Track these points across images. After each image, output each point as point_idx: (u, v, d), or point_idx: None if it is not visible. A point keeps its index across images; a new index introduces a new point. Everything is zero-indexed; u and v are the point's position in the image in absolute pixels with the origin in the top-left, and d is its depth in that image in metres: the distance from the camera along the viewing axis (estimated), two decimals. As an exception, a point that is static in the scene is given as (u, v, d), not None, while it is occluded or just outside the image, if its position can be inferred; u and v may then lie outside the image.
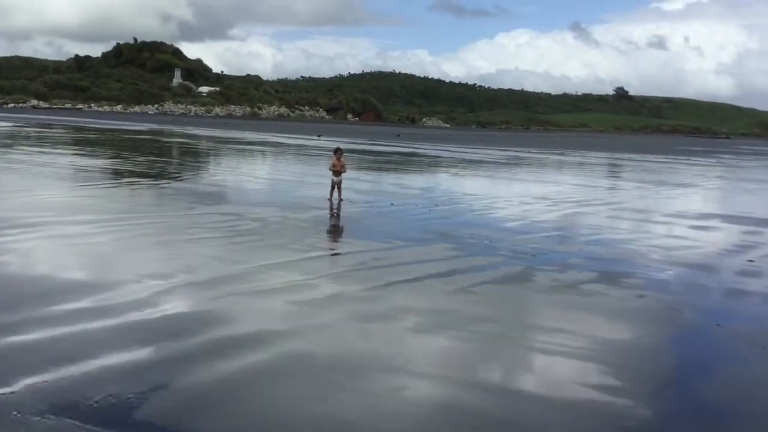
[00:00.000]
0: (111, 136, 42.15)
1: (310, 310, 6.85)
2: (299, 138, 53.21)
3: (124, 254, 8.90)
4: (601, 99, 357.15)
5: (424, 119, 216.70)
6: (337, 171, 15.64)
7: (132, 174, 19.31)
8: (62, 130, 45.77)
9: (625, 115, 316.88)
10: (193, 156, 29.60)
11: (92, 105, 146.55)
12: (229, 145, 38.88)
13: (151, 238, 10.06)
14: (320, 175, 17.47)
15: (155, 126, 65.93)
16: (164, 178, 18.63)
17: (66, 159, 23.13)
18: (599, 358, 5.85)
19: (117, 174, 19.22)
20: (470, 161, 35.13)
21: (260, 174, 21.93)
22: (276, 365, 5.32)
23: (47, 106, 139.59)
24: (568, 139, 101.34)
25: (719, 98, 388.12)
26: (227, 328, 6.09)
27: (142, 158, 25.46)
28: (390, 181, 21.86)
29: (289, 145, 42.26)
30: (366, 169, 26.35)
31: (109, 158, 24.71)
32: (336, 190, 15.70)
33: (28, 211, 11.62)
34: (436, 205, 15.64)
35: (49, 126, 52.50)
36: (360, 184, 18.97)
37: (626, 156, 49.47)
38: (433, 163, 32.41)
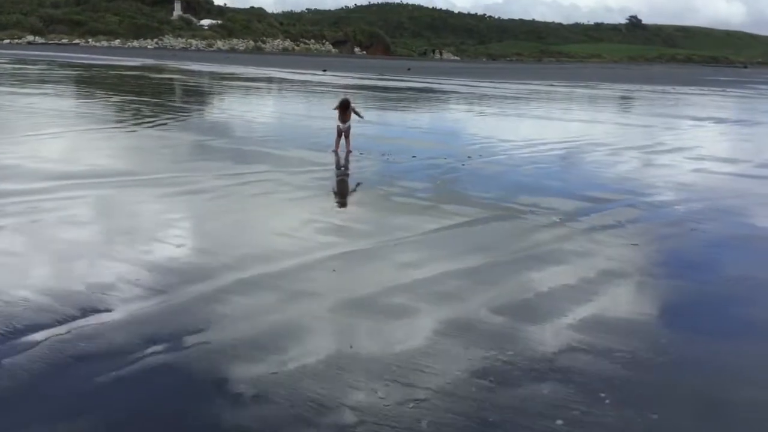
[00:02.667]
0: (95, 73, 38.51)
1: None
2: (304, 73, 49.37)
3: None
4: (613, 28, 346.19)
5: (426, 51, 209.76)
6: (341, 118, 12.32)
7: (98, 119, 15.98)
8: (43, 67, 42.11)
9: (639, 44, 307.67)
10: (180, 95, 26.08)
11: (89, 40, 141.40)
12: (227, 82, 35.26)
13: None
14: (325, 117, 14.17)
15: (150, 61, 61.97)
16: (134, 124, 15.30)
17: (26, 100, 19.74)
18: None
19: (75, 118, 15.88)
20: (491, 97, 31.49)
21: (250, 116, 18.52)
22: None
23: (43, 41, 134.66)
24: (584, 70, 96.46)
25: (732, 26, 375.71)
26: None
27: (117, 98, 22.02)
28: (406, 124, 18.46)
29: (291, 81, 38.57)
30: (377, 108, 22.86)
31: (77, 99, 21.31)
32: (342, 138, 12.42)
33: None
34: (469, 157, 12.33)
35: (33, 62, 48.76)
36: (371, 129, 15.63)
37: (657, 88, 45.49)
38: (451, 100, 28.80)
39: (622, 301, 5.31)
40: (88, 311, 4.66)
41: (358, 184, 9.79)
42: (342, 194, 9.33)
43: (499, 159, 12.35)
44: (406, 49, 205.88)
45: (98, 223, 6.89)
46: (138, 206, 7.67)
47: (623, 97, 35.78)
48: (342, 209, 8.30)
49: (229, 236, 6.63)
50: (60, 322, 4.46)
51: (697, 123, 20.99)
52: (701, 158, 13.24)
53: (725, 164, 12.65)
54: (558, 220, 7.77)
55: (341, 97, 12.90)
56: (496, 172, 10.92)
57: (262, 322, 4.60)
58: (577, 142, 15.09)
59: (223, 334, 4.39)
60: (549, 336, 4.58)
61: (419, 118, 20.48)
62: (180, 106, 20.18)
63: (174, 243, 6.27)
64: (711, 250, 6.92)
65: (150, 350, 4.12)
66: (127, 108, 19.16)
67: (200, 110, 19.80)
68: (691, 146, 15.09)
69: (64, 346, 4.14)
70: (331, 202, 8.65)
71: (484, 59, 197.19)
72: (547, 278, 5.70)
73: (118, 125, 14.97)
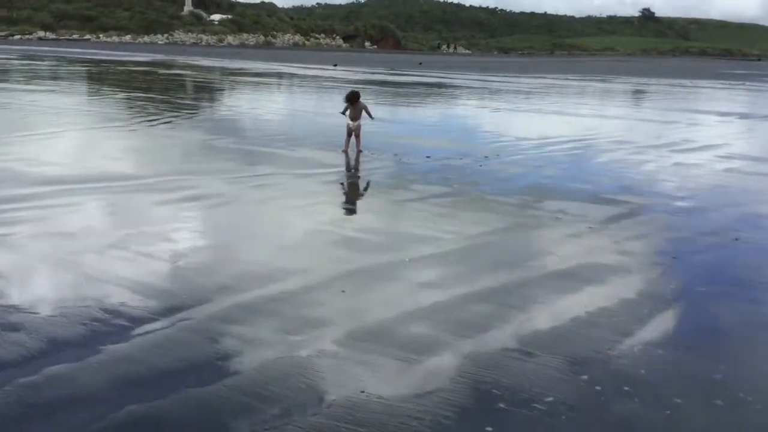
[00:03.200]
0: (103, 69, 38.04)
1: None
2: (314, 68, 48.74)
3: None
4: (626, 21, 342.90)
5: (440, 45, 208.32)
6: (352, 116, 11.70)
7: (101, 118, 15.42)
8: (51, 63, 41.69)
9: (652, 37, 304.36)
10: (188, 91, 25.52)
11: (100, 35, 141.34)
12: (235, 78, 34.70)
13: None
14: (334, 114, 13.55)
15: (160, 57, 61.55)
16: (138, 122, 14.73)
17: (29, 97, 19.21)
18: None
19: (78, 116, 15.32)
20: (505, 92, 30.76)
21: (258, 113, 17.93)
22: None
23: (54, 37, 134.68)
24: (598, 63, 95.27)
25: (745, 19, 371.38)
26: None
27: (122, 95, 21.48)
28: (419, 121, 17.82)
29: (301, 76, 37.95)
30: (388, 104, 22.23)
31: (82, 96, 20.78)
32: (353, 138, 11.81)
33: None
34: (486, 157, 11.69)
35: (41, 58, 48.38)
36: (383, 126, 15.01)
37: (674, 82, 44.54)
38: (464, 96, 28.10)
39: (669, 332, 4.66)
40: (58, 348, 4.06)
41: (369, 189, 9.15)
42: (352, 200, 8.71)
43: (517, 159, 11.69)
44: (417, 43, 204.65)
45: (82, 237, 6.26)
46: (130, 216, 7.08)
47: (641, 92, 34.94)
48: (352, 218, 7.67)
49: (230, 251, 6.02)
50: (27, 361, 3.87)
51: (722, 118, 20.22)
52: (732, 157, 12.52)
53: (759, 164, 11.93)
54: (588, 229, 7.12)
55: (349, 90, 12.29)
56: (517, 174, 10.26)
57: (258, 362, 3.99)
58: (599, 140, 14.40)
59: (212, 378, 3.78)
60: (591, 377, 3.94)
61: (432, 115, 19.84)
62: (187, 103, 19.62)
63: (167, 259, 5.67)
64: (762, 264, 6.25)
65: (126, 399, 3.52)
66: (132, 105, 18.61)
67: (207, 107, 19.23)
68: (719, 144, 14.36)
69: (28, 393, 3.55)
70: (341, 209, 8.02)
71: (495, 53, 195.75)
72: (582, 302, 5.05)
73: (121, 124, 14.39)
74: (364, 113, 11.77)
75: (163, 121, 15.21)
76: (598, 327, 4.60)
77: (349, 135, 11.73)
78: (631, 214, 7.92)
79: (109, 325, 4.36)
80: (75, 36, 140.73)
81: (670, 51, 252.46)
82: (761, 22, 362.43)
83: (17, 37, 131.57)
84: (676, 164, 11.63)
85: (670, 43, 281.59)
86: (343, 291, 5.11)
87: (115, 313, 4.55)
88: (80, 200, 7.57)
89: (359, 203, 8.56)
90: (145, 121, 15.08)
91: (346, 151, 11.67)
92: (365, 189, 9.19)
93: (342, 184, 9.40)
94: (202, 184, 8.64)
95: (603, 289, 5.37)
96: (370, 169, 10.33)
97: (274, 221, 7.09)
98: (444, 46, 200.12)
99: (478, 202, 8.31)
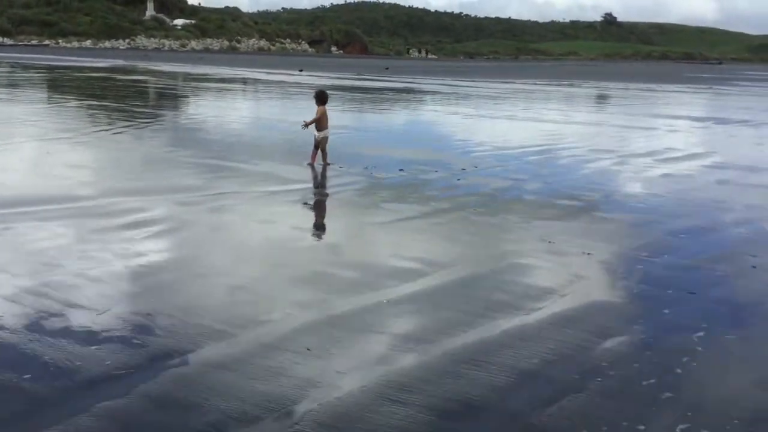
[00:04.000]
0: (58, 75, 36.51)
1: None
2: (279, 73, 47.64)
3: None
4: (589, 26, 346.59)
5: (410, 50, 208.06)
6: (322, 125, 10.76)
7: (45, 128, 14.25)
8: (3, 70, 40.00)
9: (614, 42, 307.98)
10: (145, 98, 24.30)
11: (60, 41, 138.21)
12: (197, 83, 33.49)
13: None
14: (300, 122, 12.64)
15: (120, 62, 59.83)
16: (85, 133, 13.58)
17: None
18: None
19: (18, 126, 14.12)
20: (475, 97, 30.04)
21: (218, 122, 16.88)
22: None
23: (12, 43, 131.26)
24: (563, 68, 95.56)
25: (705, 22, 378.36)
26: None
27: (75, 103, 20.24)
28: (389, 129, 16.97)
29: (266, 82, 36.85)
30: (355, 110, 21.34)
31: (30, 104, 19.49)
32: (319, 151, 10.88)
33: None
34: (464, 169, 10.85)
35: (-5, 64, 46.55)
36: (351, 135, 14.13)
37: (641, 86, 44.30)
38: (435, 101, 27.29)
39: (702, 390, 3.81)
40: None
41: (339, 210, 8.19)
42: (320, 225, 7.69)
43: (497, 171, 10.85)
44: (383, 48, 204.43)
45: (-1, 277, 5.26)
46: (55, 250, 6.04)
47: (612, 97, 34.51)
48: (320, 247, 6.71)
49: (168, 298, 5.02)
50: None
51: (700, 124, 19.69)
52: (722, 167, 11.83)
53: (751, 174, 11.23)
54: (586, 256, 6.27)
55: (317, 90, 11.37)
56: (499, 189, 9.40)
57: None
58: (579, 149, 13.64)
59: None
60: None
61: (402, 122, 18.98)
62: (143, 112, 18.47)
63: (90, 309, 4.67)
64: (792, 299, 5.45)
65: None
66: (84, 114, 17.46)
67: (165, 116, 18.10)
68: (704, 152, 13.71)
69: None
70: (307, 236, 7.03)
71: (461, 57, 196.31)
72: (606, 354, 4.18)
73: (69, 135, 13.25)
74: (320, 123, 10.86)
75: (115, 131, 14.10)
76: (611, 378, 3.73)
77: (316, 147, 10.79)
78: (631, 236, 7.10)
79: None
80: (34, 41, 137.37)
81: (632, 55, 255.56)
82: (719, 26, 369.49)
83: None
84: (665, 176, 10.88)
85: (631, 48, 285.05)
86: (308, 349, 4.17)
87: (8, 388, 3.56)
88: None
89: (328, 228, 7.57)
90: (97, 131, 13.97)
91: (312, 164, 10.74)
92: (334, 210, 8.25)
93: (308, 204, 8.43)
94: (151, 206, 7.63)
95: (613, 340, 4.50)
96: (339, 185, 9.39)
97: (228, 254, 6.11)
98: (415, 52, 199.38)
99: (460, 224, 7.43)
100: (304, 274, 5.56)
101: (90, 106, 19.47)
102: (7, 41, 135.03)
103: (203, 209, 7.60)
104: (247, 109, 21.73)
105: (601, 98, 33.55)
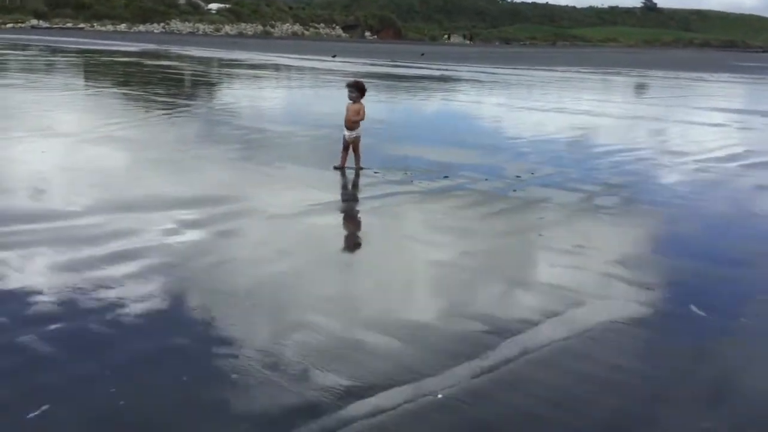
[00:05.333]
0: (85, 59, 35.48)
1: None
2: (311, 59, 46.18)
3: None
4: (628, 11, 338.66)
5: (444, 36, 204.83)
6: (352, 121, 9.23)
7: (53, 121, 12.96)
8: (32, 53, 39.12)
9: (654, 28, 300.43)
10: (167, 85, 22.99)
11: (95, 24, 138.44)
12: (226, 70, 32.18)
13: None
14: (332, 114, 11.15)
15: (152, 46, 58.87)
16: (93, 127, 12.25)
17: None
18: None
19: (27, 115, 12.84)
20: (517, 85, 28.27)
21: (241, 113, 15.45)
22: None
23: (48, 26, 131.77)
24: (605, 55, 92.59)
25: (745, 9, 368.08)
26: None
27: (91, 90, 19.00)
28: (427, 124, 15.39)
29: (297, 68, 35.41)
30: (390, 102, 19.78)
31: (41, 91, 18.28)
32: (349, 152, 9.38)
33: None
34: (519, 177, 9.28)
35: (23, 48, 45.79)
36: (387, 130, 12.62)
37: (693, 75, 41.99)
38: (475, 90, 25.57)
39: None
40: None
41: (379, 242, 6.57)
42: (349, 261, 6.04)
43: (558, 179, 9.26)
44: (417, 33, 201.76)
45: None
46: (20, 295, 4.64)
47: (665, 87, 32.39)
48: (351, 298, 5.20)
49: (160, 381, 3.59)
50: None
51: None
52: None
53: None
54: (703, 315, 4.70)
55: (351, 80, 9.66)
56: (567, 206, 7.81)
57: None
58: (650, 150, 11.98)
59: None
60: None
61: (442, 115, 17.37)
62: (162, 101, 17.13)
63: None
64: None
65: None
66: (95, 105, 16.19)
67: (184, 106, 16.73)
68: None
69: None
70: (333, 283, 5.43)
71: (497, 43, 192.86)
72: None
73: (70, 130, 11.95)
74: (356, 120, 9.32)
75: (125, 126, 12.75)
76: None
77: (345, 149, 9.29)
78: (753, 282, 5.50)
79: None
80: (69, 24, 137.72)
81: (672, 42, 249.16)
82: (761, 13, 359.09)
83: (9, 25, 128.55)
84: (762, 188, 9.20)
85: (672, 34, 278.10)
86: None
87: None
88: None
89: (359, 268, 5.95)
90: (105, 126, 12.62)
91: (342, 168, 9.24)
92: (369, 239, 6.69)
93: (339, 231, 6.94)
94: (145, 227, 6.22)
95: None
96: (373, 198, 7.88)
97: (225, 321, 4.63)
98: (458, 37, 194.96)
99: (527, 264, 5.88)
100: (335, 355, 4.07)
101: (109, 95, 18.21)
102: (43, 24, 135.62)
103: (205, 236, 6.13)
104: (274, 99, 20.26)
105: (654, 89, 31.47)
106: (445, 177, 9.08)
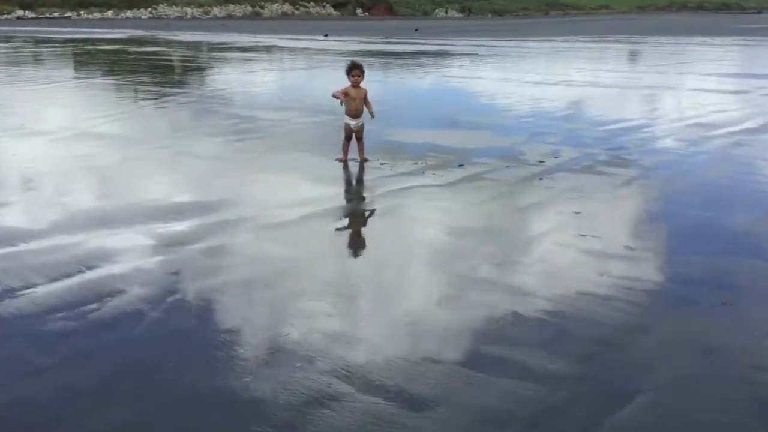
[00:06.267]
0: (68, 49, 34.26)
1: None
2: (303, 39, 44.94)
3: None
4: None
5: (436, 10, 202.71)
6: (354, 109, 8.24)
7: (22, 118, 11.95)
8: (14, 45, 37.89)
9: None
10: (148, 73, 21.89)
11: (81, 12, 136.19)
12: (214, 53, 31.02)
13: None
14: (326, 98, 10.20)
15: (139, 32, 57.51)
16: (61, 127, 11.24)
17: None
18: None
19: None
20: (517, 58, 27.18)
21: (227, 98, 14.42)
22: None
23: (34, 16, 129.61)
24: (601, 23, 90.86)
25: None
26: None
27: (71, 84, 17.93)
28: (432, 104, 14.33)
29: (289, 49, 34.22)
30: (390, 80, 18.73)
31: (16, 85, 17.23)
32: (352, 142, 8.41)
33: None
34: (542, 161, 8.33)
35: (5, 40, 44.49)
36: (388, 113, 11.63)
37: (696, 39, 40.77)
38: (476, 65, 24.47)
39: None
40: None
41: (386, 246, 5.62)
42: (358, 274, 5.05)
43: (587, 162, 8.30)
44: (409, 8, 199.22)
45: None
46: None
47: (672, 54, 31.25)
48: (361, 324, 4.26)
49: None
50: None
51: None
52: None
53: None
54: None
55: (350, 61, 8.38)
56: (604, 193, 6.86)
57: None
58: (676, 123, 11.02)
59: None
60: None
61: (445, 94, 16.30)
62: (146, 90, 16.09)
63: None
64: None
65: None
66: (72, 98, 15.16)
67: (169, 95, 15.68)
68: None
69: None
70: (340, 304, 4.48)
71: (489, 15, 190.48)
72: None
73: (40, 128, 10.97)
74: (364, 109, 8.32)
75: (104, 118, 11.75)
76: None
77: (347, 139, 8.32)
78: None
79: None
80: (55, 14, 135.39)
81: (667, 6, 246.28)
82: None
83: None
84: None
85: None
86: None
87: None
88: None
89: (368, 284, 4.97)
90: (84, 120, 11.62)
91: (344, 160, 8.29)
92: (379, 244, 5.72)
93: (341, 234, 5.98)
94: (121, 247, 5.28)
95: None
96: (384, 194, 6.93)
97: (201, 395, 3.70)
98: (453, 11, 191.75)
99: (569, 276, 4.94)
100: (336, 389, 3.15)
101: (90, 86, 17.16)
102: (29, 14, 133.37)
103: (194, 256, 5.19)
104: (263, 83, 19.18)
105: (660, 56, 30.34)
106: (460, 166, 8.13)
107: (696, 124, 11.00)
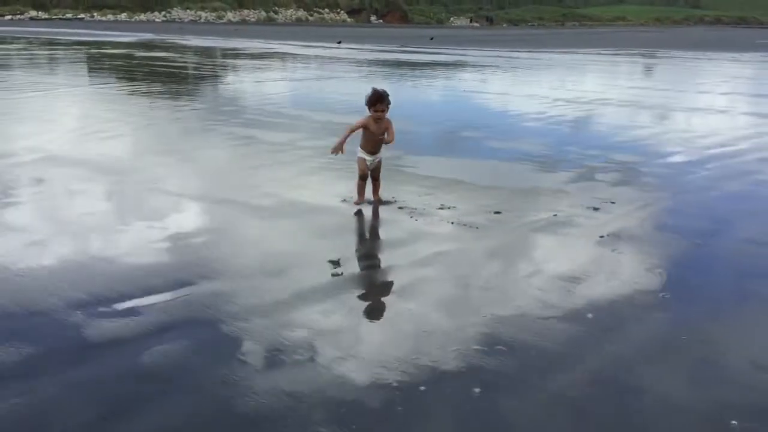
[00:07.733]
0: (73, 52, 33.02)
1: None
2: (315, 46, 43.61)
3: None
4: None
5: (451, 18, 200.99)
6: (374, 143, 6.74)
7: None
8: (17, 47, 36.75)
9: (663, 5, 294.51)
10: (151, 80, 20.50)
11: (95, 14, 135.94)
12: (221, 60, 29.70)
13: None
14: (340, 112, 8.73)
15: (149, 36, 56.47)
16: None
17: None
18: None
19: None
20: (537, 70, 25.65)
21: (224, 119, 12.94)
22: None
23: (46, 17, 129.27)
24: (620, 35, 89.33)
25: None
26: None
27: (62, 90, 16.54)
28: (455, 124, 12.70)
29: (300, 57, 32.83)
30: (407, 95, 17.21)
31: (7, 92, 15.86)
32: (368, 182, 6.91)
33: None
34: (596, 209, 6.80)
35: (10, 41, 43.39)
36: (408, 134, 10.15)
37: (724, 55, 39.17)
38: (497, 78, 22.92)
39: None
40: None
41: (414, 342, 4.09)
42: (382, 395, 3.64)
43: (655, 205, 6.77)
44: (423, 16, 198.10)
45: None
46: None
47: (704, 72, 29.64)
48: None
49: None
50: None
51: None
52: None
53: None
54: None
55: (372, 89, 6.57)
56: (689, 266, 5.34)
57: None
58: (743, 156, 9.48)
59: None
60: None
61: (467, 111, 14.69)
62: (132, 101, 14.67)
63: None
64: None
65: None
66: (55, 107, 13.77)
67: (158, 107, 14.24)
68: None
69: None
70: None
71: (504, 25, 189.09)
72: None
73: (2, 147, 9.54)
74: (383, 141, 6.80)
75: (84, 137, 10.31)
76: None
77: (363, 178, 6.81)
78: None
79: None
80: (69, 15, 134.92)
81: (683, 20, 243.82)
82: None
83: (8, 17, 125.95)
84: None
85: (682, 12, 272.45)
86: None
87: None
88: None
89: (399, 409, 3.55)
90: (58, 137, 10.19)
91: (360, 202, 6.78)
92: (408, 337, 4.18)
93: (358, 315, 4.48)
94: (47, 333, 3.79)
95: None
96: (405, 254, 5.41)
97: None
98: (467, 20, 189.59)
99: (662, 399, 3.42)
100: None
101: (82, 94, 15.78)
102: (42, 15, 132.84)
103: (164, 345, 3.69)
104: (271, 96, 17.69)
105: (692, 73, 28.74)
106: (497, 213, 6.61)
107: (760, 159, 9.46)
